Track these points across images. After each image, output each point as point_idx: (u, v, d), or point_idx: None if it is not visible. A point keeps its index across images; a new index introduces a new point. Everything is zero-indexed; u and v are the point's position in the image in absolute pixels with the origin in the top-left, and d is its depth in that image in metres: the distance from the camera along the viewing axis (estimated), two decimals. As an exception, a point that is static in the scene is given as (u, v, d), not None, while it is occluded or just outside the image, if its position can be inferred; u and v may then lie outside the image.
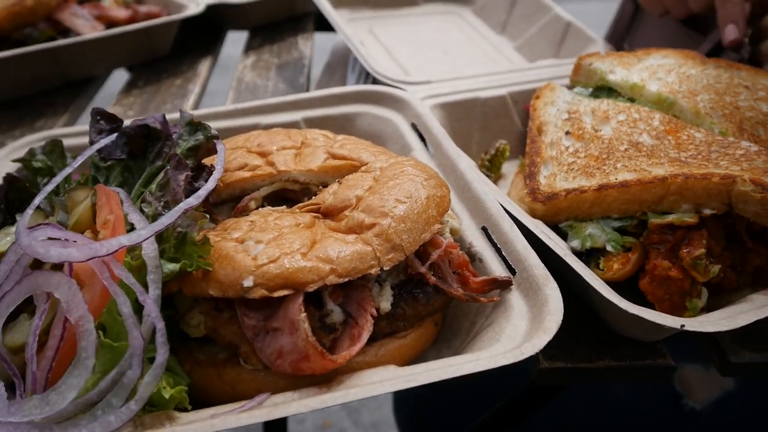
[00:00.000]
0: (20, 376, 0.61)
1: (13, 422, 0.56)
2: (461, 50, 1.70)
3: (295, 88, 1.59)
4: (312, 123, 1.14)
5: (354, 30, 1.71)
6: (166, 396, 0.61)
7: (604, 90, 1.06)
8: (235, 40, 1.97)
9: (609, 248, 0.84)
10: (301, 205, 0.80)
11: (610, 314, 0.80)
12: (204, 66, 1.67)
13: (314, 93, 1.16)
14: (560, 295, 0.73)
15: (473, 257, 0.84)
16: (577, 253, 0.87)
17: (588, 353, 0.84)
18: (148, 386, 0.59)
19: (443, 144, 1.01)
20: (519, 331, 0.71)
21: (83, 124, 1.18)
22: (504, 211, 0.86)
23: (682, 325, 0.69)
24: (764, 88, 0.99)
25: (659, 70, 1.02)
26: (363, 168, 0.84)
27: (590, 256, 0.87)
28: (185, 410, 0.63)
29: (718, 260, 0.80)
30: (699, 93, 0.95)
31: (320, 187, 0.84)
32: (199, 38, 1.83)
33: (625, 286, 0.85)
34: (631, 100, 1.01)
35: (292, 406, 0.61)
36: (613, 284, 0.83)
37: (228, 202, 0.84)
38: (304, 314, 0.64)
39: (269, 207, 0.82)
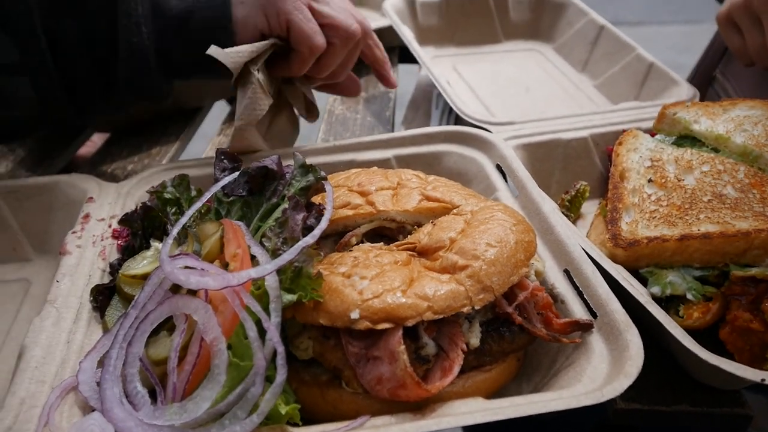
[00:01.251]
0: (160, 385, 0.71)
1: (158, 425, 0.66)
2: (542, 88, 1.74)
3: (381, 121, 1.68)
4: (402, 160, 1.22)
5: (439, 68, 1.80)
6: (282, 412, 0.69)
7: (687, 139, 1.09)
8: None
9: (689, 296, 0.87)
10: (398, 243, 0.87)
11: (690, 362, 0.83)
12: (297, 98, 1.79)
13: (404, 132, 1.24)
14: (641, 342, 0.77)
15: (555, 298, 0.88)
16: (657, 299, 0.90)
17: (665, 397, 0.87)
18: (269, 402, 0.68)
19: (527, 186, 1.06)
20: (600, 373, 0.76)
21: (193, 153, 1.31)
22: (586, 255, 0.90)
23: (763, 380, 0.72)
24: None
25: (745, 122, 1.04)
26: (455, 210, 0.91)
27: (669, 302, 0.90)
28: (296, 425, 0.71)
29: (801, 315, 0.82)
30: (785, 147, 0.97)
31: (414, 226, 0.91)
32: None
33: (704, 334, 0.87)
34: (715, 150, 1.04)
35: (392, 429, 0.68)
36: (691, 332, 0.86)
37: (331, 236, 0.93)
38: (403, 346, 0.71)
39: (368, 243, 0.90)
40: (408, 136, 1.24)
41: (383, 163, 1.21)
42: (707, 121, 1.07)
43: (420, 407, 0.73)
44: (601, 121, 1.35)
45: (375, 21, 1.90)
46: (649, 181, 1.01)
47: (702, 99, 1.80)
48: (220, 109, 1.85)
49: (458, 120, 1.42)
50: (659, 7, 6.27)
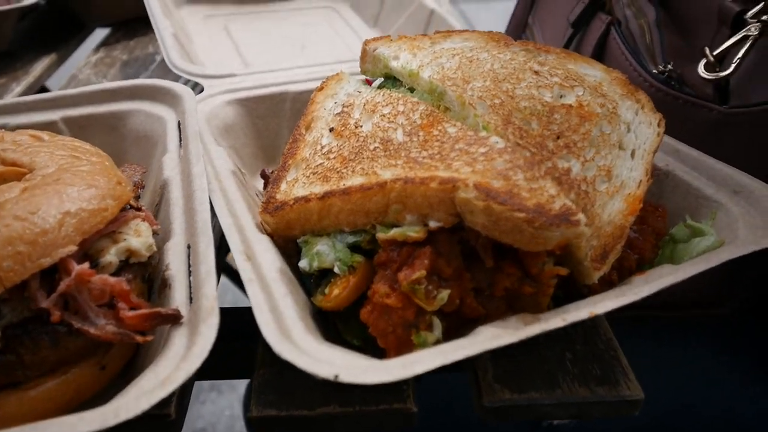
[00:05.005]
0: None
1: None
2: (323, 46, 1.53)
3: (132, 86, 1.42)
4: (74, 123, 0.97)
5: (204, 27, 1.55)
6: None
7: (391, 79, 0.89)
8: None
9: (336, 269, 0.67)
10: None
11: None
12: (41, 65, 1.50)
13: (81, 89, 0.99)
14: (214, 334, 0.56)
15: (165, 283, 0.67)
16: (309, 275, 0.70)
17: (311, 398, 0.66)
18: None
19: (190, 145, 0.84)
20: (153, 382, 0.54)
21: None
22: (209, 225, 0.69)
23: (336, 376, 0.52)
24: (564, 74, 0.81)
25: (444, 55, 0.85)
26: (28, 175, 0.67)
27: (324, 278, 0.70)
28: None
29: (452, 284, 0.63)
30: (473, 80, 0.78)
31: (-28, 199, 0.67)
32: (54, 35, 1.66)
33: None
34: (412, 90, 0.84)
35: None
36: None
37: None
38: None
39: None
40: (84, 94, 0.99)
41: (48, 127, 0.95)
42: (408, 56, 0.87)
43: None
44: (347, 69, 1.13)
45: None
46: (331, 130, 0.81)
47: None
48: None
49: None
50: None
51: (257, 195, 0.92)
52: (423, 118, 0.74)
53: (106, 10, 1.67)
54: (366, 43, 0.92)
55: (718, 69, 1.02)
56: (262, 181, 0.97)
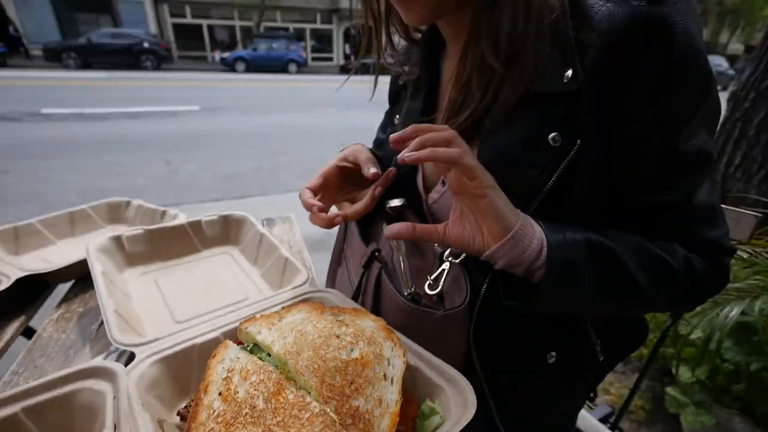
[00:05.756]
0: None
1: None
2: (221, 285, 1.52)
3: (84, 337, 1.28)
4: (32, 411, 0.85)
5: (141, 284, 1.48)
6: None
7: (257, 346, 0.93)
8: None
9: None
10: None
11: None
12: (11, 328, 1.30)
13: (37, 382, 0.88)
14: None
15: None
16: None
17: None
18: None
19: (121, 425, 0.78)
20: None
21: None
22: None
23: None
24: (353, 331, 0.92)
25: (287, 329, 0.92)
26: None
27: None
28: None
29: None
30: (303, 351, 0.85)
31: None
32: (22, 299, 1.45)
33: None
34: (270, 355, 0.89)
35: None
36: None
37: None
38: None
39: None
40: (41, 385, 0.88)
41: (9, 419, 0.83)
42: (266, 331, 0.93)
43: None
44: (234, 318, 1.15)
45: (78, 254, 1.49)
46: (219, 394, 0.81)
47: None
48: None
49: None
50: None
51: (176, 434, 0.87)
52: (274, 386, 0.78)
53: (66, 273, 1.52)
54: (241, 323, 0.96)
55: (435, 288, 1.22)
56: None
